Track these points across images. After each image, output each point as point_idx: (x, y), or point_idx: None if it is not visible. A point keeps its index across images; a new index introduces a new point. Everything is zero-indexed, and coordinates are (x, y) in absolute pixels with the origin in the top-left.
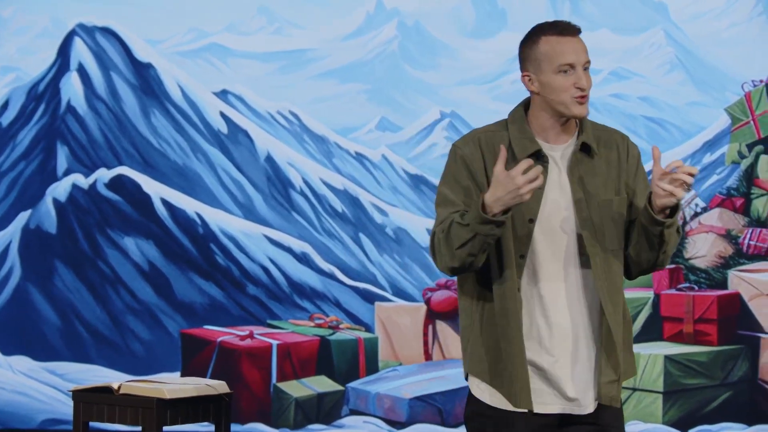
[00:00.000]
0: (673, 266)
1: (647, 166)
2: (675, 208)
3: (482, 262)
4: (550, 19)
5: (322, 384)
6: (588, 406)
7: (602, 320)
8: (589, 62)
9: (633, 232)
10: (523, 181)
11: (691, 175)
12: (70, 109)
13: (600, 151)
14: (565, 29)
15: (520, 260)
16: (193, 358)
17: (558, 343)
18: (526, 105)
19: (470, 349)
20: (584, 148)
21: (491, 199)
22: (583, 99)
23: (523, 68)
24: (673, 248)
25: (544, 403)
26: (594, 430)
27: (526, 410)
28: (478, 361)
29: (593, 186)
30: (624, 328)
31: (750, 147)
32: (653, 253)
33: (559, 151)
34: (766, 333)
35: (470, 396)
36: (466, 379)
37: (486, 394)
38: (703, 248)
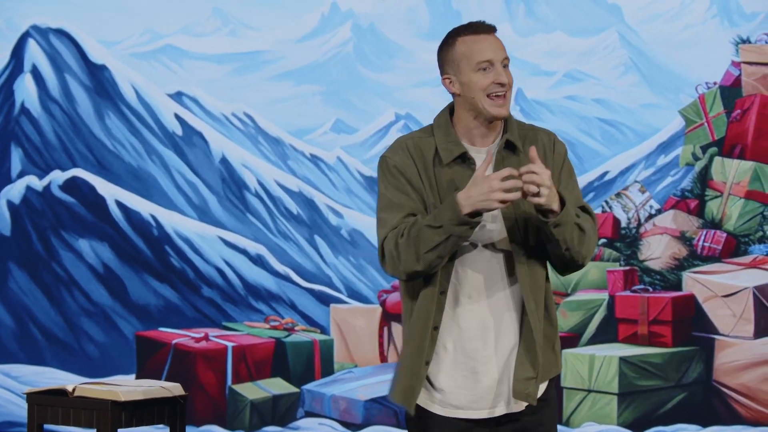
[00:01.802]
0: (627, 268)
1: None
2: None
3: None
4: (470, 21)
5: (277, 386)
6: (512, 406)
7: (524, 317)
8: (508, 59)
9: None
10: (499, 187)
11: (536, 183)
12: (24, 111)
13: (525, 149)
14: (480, 28)
15: (447, 262)
16: (148, 360)
17: (485, 345)
18: (450, 109)
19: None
20: (509, 146)
21: (463, 197)
22: (502, 99)
23: (443, 72)
24: (578, 246)
25: (474, 408)
26: (520, 427)
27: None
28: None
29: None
30: (546, 325)
31: (704, 149)
32: (558, 250)
33: (485, 153)
34: (720, 334)
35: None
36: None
37: (394, 388)
38: (657, 250)
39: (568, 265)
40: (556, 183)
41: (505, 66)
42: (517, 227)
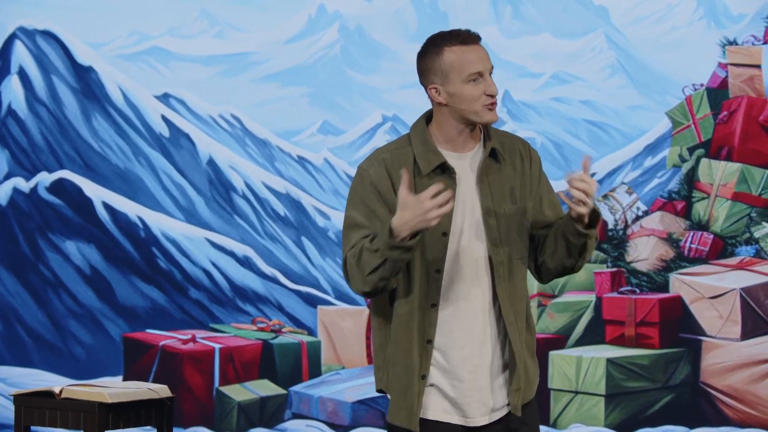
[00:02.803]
0: (615, 269)
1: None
2: (596, 217)
3: (395, 284)
4: (454, 29)
5: (264, 388)
6: (495, 415)
7: (505, 329)
8: (492, 68)
9: (549, 241)
10: (432, 205)
11: (585, 192)
12: (11, 112)
13: (506, 157)
14: (469, 38)
15: (436, 275)
16: (136, 362)
17: (470, 356)
18: (427, 117)
19: (385, 367)
20: (492, 154)
21: (399, 222)
22: (493, 105)
23: (428, 80)
24: (591, 253)
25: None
26: (504, 428)
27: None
28: (388, 379)
29: (501, 193)
30: (527, 334)
31: (691, 150)
32: (572, 260)
33: (467, 159)
34: (707, 336)
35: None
36: (378, 392)
37: (392, 410)
38: (644, 251)
39: (565, 273)
40: (536, 190)
41: (491, 74)
42: (502, 244)
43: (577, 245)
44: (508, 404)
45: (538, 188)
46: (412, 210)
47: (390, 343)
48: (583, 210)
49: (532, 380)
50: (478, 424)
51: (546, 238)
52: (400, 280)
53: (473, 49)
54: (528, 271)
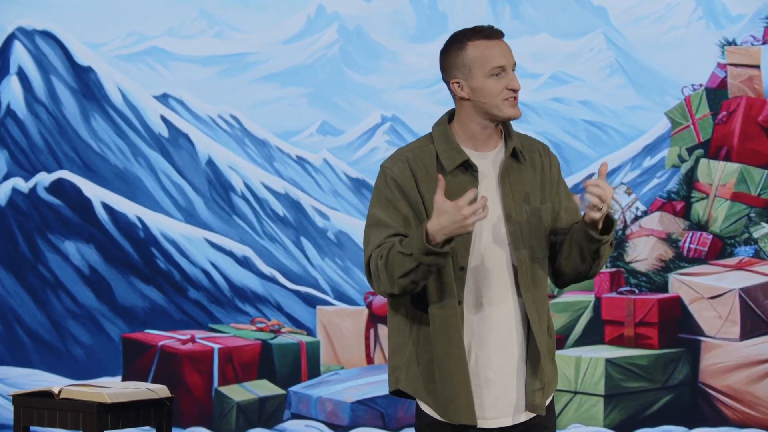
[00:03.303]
0: (614, 270)
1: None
2: (611, 224)
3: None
4: (477, 26)
5: (263, 388)
6: (520, 416)
7: (528, 329)
8: (515, 64)
9: (565, 245)
10: (470, 212)
11: (600, 198)
12: (10, 112)
13: (526, 158)
14: (492, 33)
15: (459, 272)
16: (135, 362)
17: (495, 356)
18: (449, 116)
19: (405, 368)
20: (514, 154)
21: (435, 228)
22: (515, 100)
23: (450, 75)
24: (606, 260)
25: (484, 417)
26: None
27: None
28: (414, 380)
29: (522, 193)
30: (548, 338)
31: (690, 151)
32: (585, 265)
33: (489, 158)
34: (706, 336)
35: (418, 409)
36: (391, 393)
37: (429, 409)
38: (643, 252)
39: (581, 279)
40: (554, 194)
41: (513, 70)
42: (523, 244)
43: (591, 251)
44: (532, 405)
45: (557, 191)
46: (449, 215)
47: (422, 343)
48: (597, 215)
49: (553, 383)
50: (503, 425)
51: (562, 243)
52: (430, 281)
53: (496, 44)
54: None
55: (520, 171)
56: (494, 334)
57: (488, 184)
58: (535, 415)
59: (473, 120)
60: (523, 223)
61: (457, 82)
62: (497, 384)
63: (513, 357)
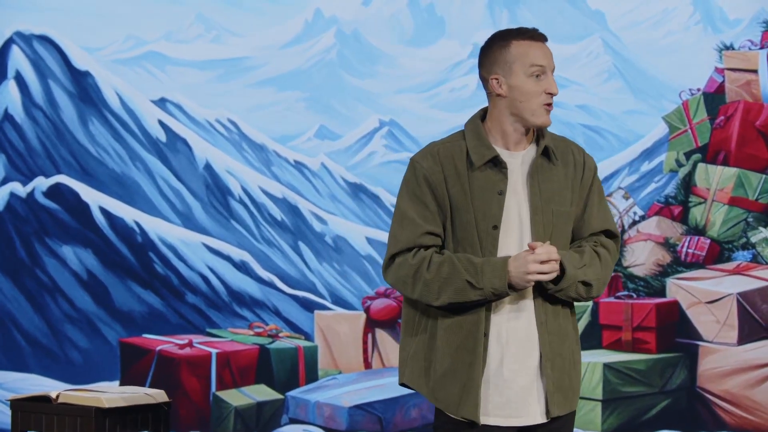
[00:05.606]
0: (611, 274)
1: None
2: (563, 275)
3: None
4: (521, 27)
5: (261, 393)
6: (539, 417)
7: (547, 330)
8: (554, 69)
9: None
10: (535, 270)
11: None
12: (8, 117)
13: (558, 158)
14: (537, 35)
15: None
16: (132, 366)
17: (514, 354)
18: (482, 114)
19: (410, 361)
20: (545, 153)
21: (511, 270)
22: (549, 106)
23: (490, 71)
24: (586, 295)
25: (499, 415)
26: None
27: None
28: (418, 375)
29: (549, 193)
30: (565, 340)
31: (687, 155)
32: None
33: (519, 158)
34: (704, 341)
35: (437, 409)
36: (402, 385)
37: (455, 404)
38: (641, 256)
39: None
40: (584, 201)
41: (552, 74)
42: (545, 239)
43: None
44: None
45: (589, 195)
46: (519, 264)
47: (429, 338)
48: (547, 278)
49: (576, 388)
50: (521, 425)
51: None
52: None
53: (540, 46)
54: None
55: (550, 170)
56: (511, 335)
57: (516, 181)
58: (550, 419)
59: (505, 117)
60: (548, 222)
61: (497, 78)
62: (514, 383)
63: (533, 358)
